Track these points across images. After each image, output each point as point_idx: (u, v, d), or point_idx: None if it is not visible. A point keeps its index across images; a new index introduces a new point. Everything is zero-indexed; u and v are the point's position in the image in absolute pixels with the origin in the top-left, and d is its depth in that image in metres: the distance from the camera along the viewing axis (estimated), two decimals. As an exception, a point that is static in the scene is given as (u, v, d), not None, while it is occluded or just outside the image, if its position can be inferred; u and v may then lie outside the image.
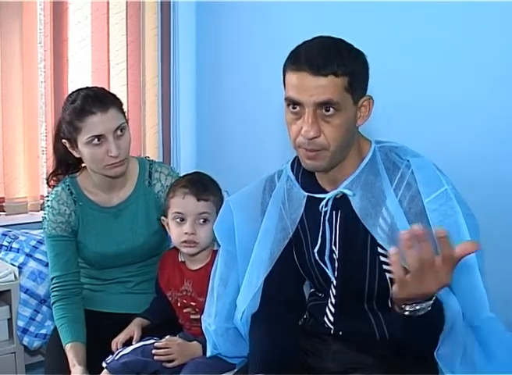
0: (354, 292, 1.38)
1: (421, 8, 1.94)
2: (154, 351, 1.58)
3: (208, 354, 1.51)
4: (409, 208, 1.28)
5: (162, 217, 1.73)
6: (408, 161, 1.31)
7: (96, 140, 1.64)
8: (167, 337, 1.64)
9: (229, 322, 1.50)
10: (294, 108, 1.25)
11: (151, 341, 1.62)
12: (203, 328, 1.53)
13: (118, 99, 1.73)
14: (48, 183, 1.88)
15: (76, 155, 1.72)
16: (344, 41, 1.27)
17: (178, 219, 1.66)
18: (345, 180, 1.34)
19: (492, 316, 1.23)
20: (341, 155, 1.30)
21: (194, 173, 1.75)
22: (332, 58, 1.21)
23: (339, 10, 2.19)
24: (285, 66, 1.28)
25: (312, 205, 1.40)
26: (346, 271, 1.38)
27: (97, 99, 1.65)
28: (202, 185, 1.66)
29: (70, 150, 1.72)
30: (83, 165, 1.80)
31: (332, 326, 1.44)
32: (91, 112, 1.62)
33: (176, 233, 1.66)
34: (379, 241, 1.29)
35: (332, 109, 1.23)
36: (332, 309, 1.43)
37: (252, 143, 2.64)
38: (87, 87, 1.74)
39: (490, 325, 1.25)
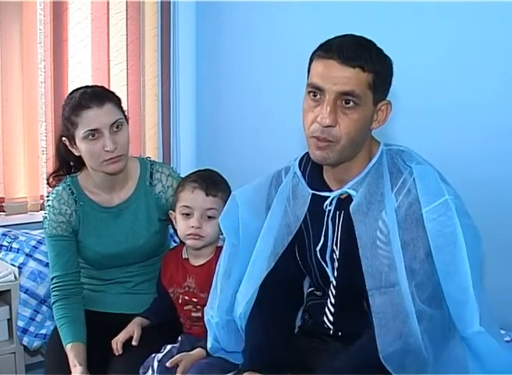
0: (354, 293, 1.38)
1: (426, 7, 1.94)
2: None
3: (209, 346, 1.51)
4: (406, 214, 1.28)
5: (170, 211, 1.74)
6: (411, 167, 1.31)
7: (92, 134, 1.64)
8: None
9: (231, 314, 1.50)
10: (315, 94, 1.26)
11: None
12: (205, 320, 1.53)
13: (116, 96, 1.74)
14: (48, 182, 1.89)
15: (76, 153, 1.72)
16: (375, 43, 1.29)
17: (185, 213, 1.67)
18: (351, 181, 1.34)
19: (481, 330, 1.23)
20: (351, 152, 1.30)
21: (206, 169, 1.77)
22: (362, 53, 1.23)
23: (340, 10, 2.18)
24: (313, 55, 1.29)
25: (317, 203, 1.40)
26: (346, 272, 1.39)
27: (94, 95, 1.66)
28: (212, 181, 1.67)
29: (70, 148, 1.72)
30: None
31: (331, 327, 1.44)
32: (87, 106, 1.63)
33: (183, 226, 1.68)
34: (378, 243, 1.30)
35: (352, 102, 1.24)
36: (332, 309, 1.44)
37: (252, 143, 2.64)
38: (87, 86, 1.75)
39: (479, 340, 1.25)
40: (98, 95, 1.66)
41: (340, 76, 1.22)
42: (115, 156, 1.67)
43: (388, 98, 1.32)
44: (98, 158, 1.67)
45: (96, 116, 1.64)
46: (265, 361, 1.37)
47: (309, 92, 1.27)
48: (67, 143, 1.72)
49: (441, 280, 1.25)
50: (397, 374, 1.22)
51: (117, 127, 1.68)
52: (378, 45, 1.29)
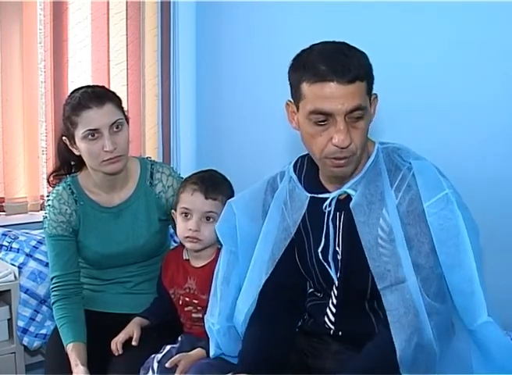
0: (356, 293, 1.38)
1: (426, 7, 1.94)
2: None
3: (212, 353, 1.51)
4: (407, 211, 1.28)
5: (172, 210, 1.74)
6: (410, 163, 1.31)
7: (91, 134, 1.64)
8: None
9: (231, 320, 1.50)
10: (322, 119, 1.23)
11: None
12: (206, 328, 1.53)
13: (117, 96, 1.73)
14: (48, 181, 1.88)
15: (76, 153, 1.72)
16: (348, 44, 1.27)
17: (184, 215, 1.67)
18: (349, 181, 1.34)
19: (489, 320, 1.23)
20: (360, 156, 1.31)
21: (208, 170, 1.75)
22: (352, 63, 1.21)
23: (341, 10, 2.18)
24: (297, 77, 1.25)
25: (315, 205, 1.40)
26: (349, 272, 1.39)
27: (95, 95, 1.66)
28: (212, 183, 1.67)
29: (70, 147, 1.73)
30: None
31: (332, 327, 1.44)
32: (87, 106, 1.63)
33: (182, 228, 1.68)
34: (379, 241, 1.30)
35: (360, 114, 1.23)
36: (333, 309, 1.44)
37: (252, 143, 2.64)
38: (88, 86, 1.75)
39: (488, 330, 1.25)
40: (98, 95, 1.66)
41: (344, 94, 1.20)
42: (115, 156, 1.67)
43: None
44: (97, 158, 1.67)
45: (96, 116, 1.64)
46: (258, 363, 1.37)
47: (312, 118, 1.24)
48: (67, 142, 1.73)
49: (445, 273, 1.26)
50: (409, 372, 1.22)
51: (117, 128, 1.68)
52: (358, 45, 1.27)
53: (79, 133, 1.66)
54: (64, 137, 1.73)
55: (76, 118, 1.65)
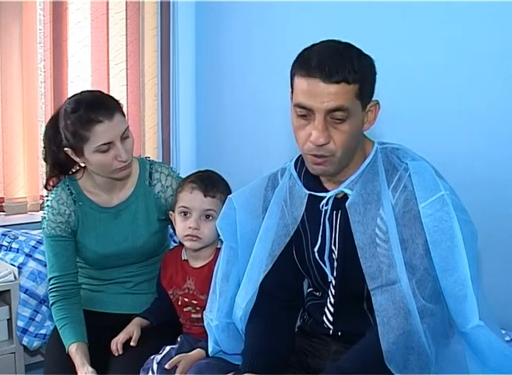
0: (353, 292, 1.38)
1: (425, 7, 1.94)
2: None
3: (210, 350, 1.51)
4: (403, 211, 1.28)
5: (170, 212, 1.74)
6: (407, 164, 1.31)
7: (105, 147, 1.63)
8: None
9: (230, 317, 1.50)
10: (303, 114, 1.25)
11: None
12: (205, 324, 1.53)
13: (118, 102, 1.71)
14: (46, 187, 1.86)
15: (81, 163, 1.72)
16: (353, 46, 1.27)
17: (183, 214, 1.67)
18: (346, 180, 1.34)
19: (480, 324, 1.23)
20: (347, 159, 1.31)
21: (205, 170, 1.76)
22: (344, 65, 1.21)
23: (340, 11, 2.19)
24: (293, 69, 1.27)
25: (314, 203, 1.40)
26: (345, 271, 1.39)
27: (102, 106, 1.63)
28: (211, 182, 1.67)
29: (73, 157, 1.70)
30: (82, 165, 1.79)
31: (331, 327, 1.44)
32: (98, 120, 1.60)
33: (181, 227, 1.68)
34: (377, 241, 1.29)
35: (342, 116, 1.23)
36: (332, 309, 1.44)
37: (252, 143, 2.64)
38: (84, 92, 1.71)
39: (479, 333, 1.24)
40: (106, 107, 1.63)
41: (326, 93, 1.20)
42: (127, 164, 1.68)
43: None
44: (110, 167, 1.67)
45: (108, 130, 1.62)
46: (263, 363, 1.37)
47: (297, 111, 1.26)
48: (70, 153, 1.69)
49: (439, 275, 1.25)
50: (401, 374, 1.22)
51: (126, 136, 1.67)
52: (357, 46, 1.27)
53: (90, 147, 1.63)
54: (67, 149, 1.69)
55: (87, 133, 1.61)
